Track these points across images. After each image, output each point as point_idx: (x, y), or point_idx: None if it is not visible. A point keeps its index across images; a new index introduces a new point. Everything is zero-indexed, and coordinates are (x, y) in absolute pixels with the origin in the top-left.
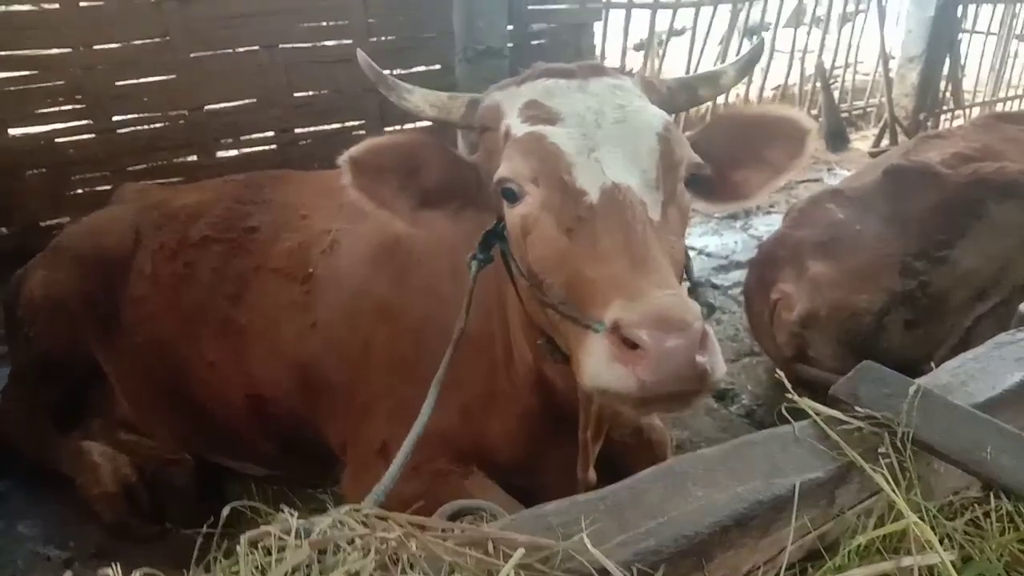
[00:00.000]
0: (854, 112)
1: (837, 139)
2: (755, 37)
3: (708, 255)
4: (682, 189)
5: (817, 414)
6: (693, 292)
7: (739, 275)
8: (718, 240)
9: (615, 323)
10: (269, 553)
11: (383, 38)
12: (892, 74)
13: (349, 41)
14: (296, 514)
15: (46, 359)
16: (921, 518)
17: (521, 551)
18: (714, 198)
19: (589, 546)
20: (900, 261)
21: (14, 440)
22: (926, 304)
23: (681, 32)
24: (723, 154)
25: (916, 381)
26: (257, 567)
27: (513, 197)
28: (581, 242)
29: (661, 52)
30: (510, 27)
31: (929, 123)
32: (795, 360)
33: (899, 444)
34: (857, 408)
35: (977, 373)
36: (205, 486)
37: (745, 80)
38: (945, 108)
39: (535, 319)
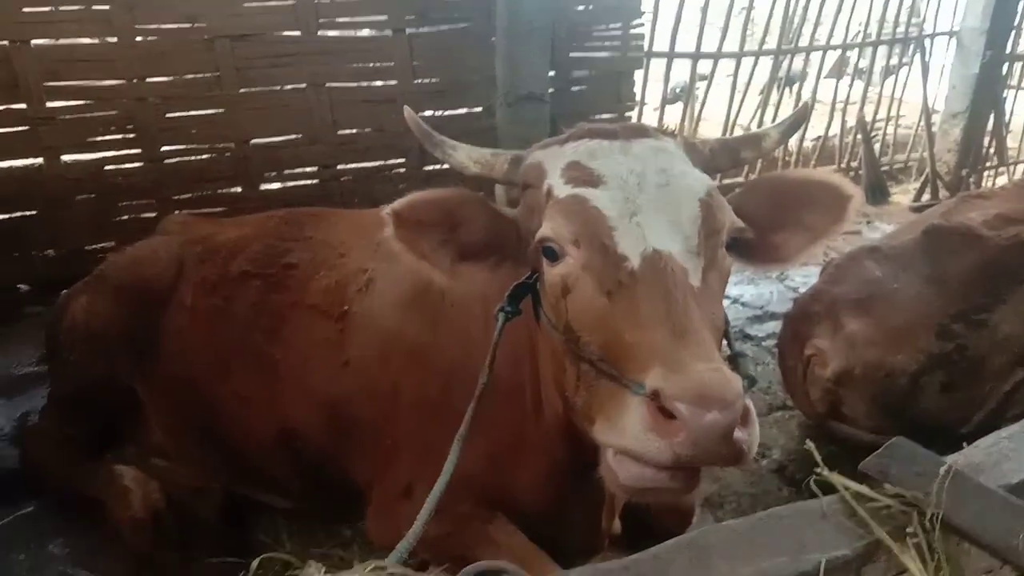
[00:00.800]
0: (895, 166)
1: (877, 192)
2: (795, 86)
3: (743, 304)
4: (723, 253)
5: (846, 488)
6: (733, 362)
7: (774, 326)
8: (753, 290)
9: (656, 391)
10: None
11: (427, 80)
12: (935, 129)
13: (394, 82)
14: (324, 568)
15: (84, 385)
16: None
17: None
18: (752, 259)
19: None
20: (938, 323)
21: (48, 462)
22: (964, 367)
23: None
24: (763, 216)
25: (947, 460)
26: None
27: (554, 256)
28: (621, 306)
29: (701, 101)
30: (551, 73)
31: (972, 179)
32: (828, 417)
33: (928, 524)
34: (887, 485)
35: (1011, 453)
36: (231, 516)
37: None
38: (989, 165)
39: (567, 367)
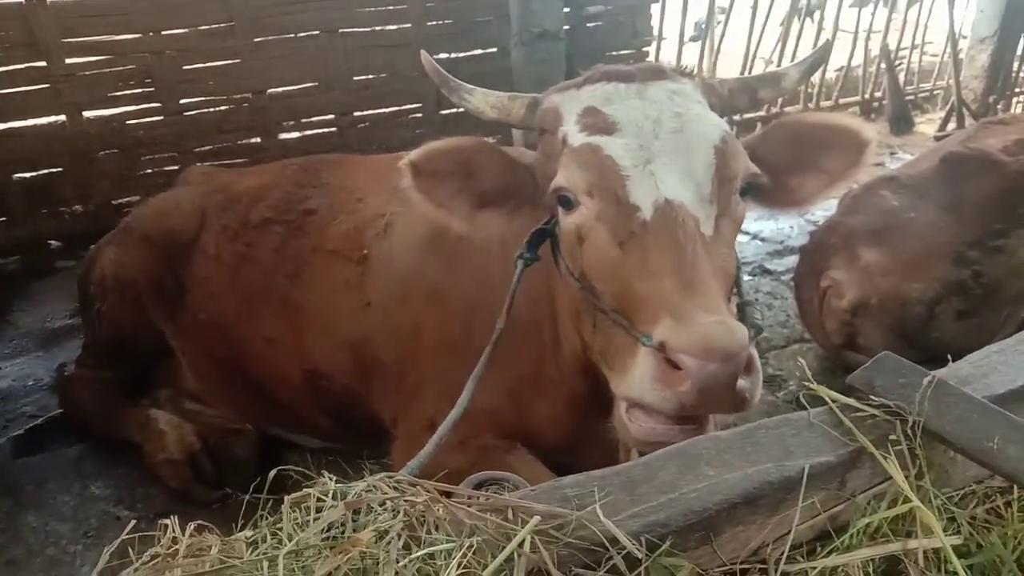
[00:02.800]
0: (920, 95)
1: (901, 122)
2: (816, 16)
3: (763, 240)
4: (737, 200)
5: (833, 401)
6: (741, 311)
7: (793, 260)
8: (773, 225)
9: (662, 343)
10: (309, 512)
11: (440, 22)
12: (961, 55)
13: (408, 25)
14: (335, 479)
15: (116, 334)
16: (928, 504)
17: (537, 518)
18: (768, 203)
19: (601, 516)
20: (954, 250)
21: (88, 409)
22: (980, 294)
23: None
24: (780, 160)
25: (932, 372)
26: (298, 524)
27: (568, 205)
28: (633, 256)
29: (720, 35)
30: (566, 9)
31: (1000, 106)
32: (844, 348)
33: (910, 432)
34: (872, 396)
35: (1000, 366)
36: (264, 456)
37: None
38: (1017, 91)
39: (584, 314)
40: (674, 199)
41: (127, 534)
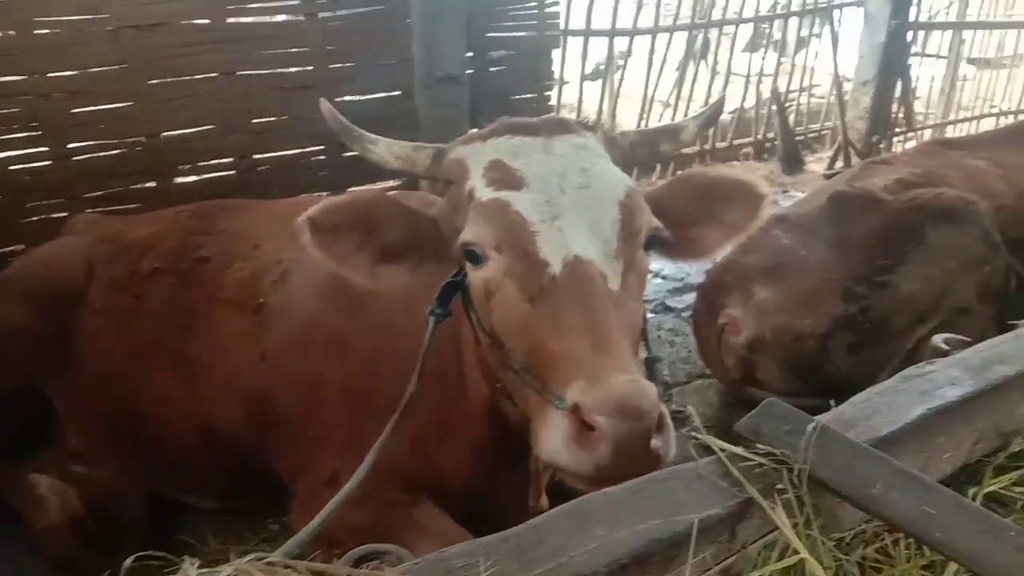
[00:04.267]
0: (809, 135)
1: (792, 162)
2: (710, 59)
3: (664, 278)
4: (641, 254)
5: (722, 451)
6: (649, 366)
7: (693, 297)
8: (673, 263)
9: (575, 405)
10: None
11: (343, 65)
12: (846, 97)
13: (309, 68)
14: (197, 563)
15: None
16: (817, 552)
17: None
18: (671, 254)
19: None
20: (842, 286)
21: None
22: (868, 328)
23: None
24: (681, 212)
25: (816, 419)
26: None
27: (477, 260)
28: (543, 313)
29: (620, 78)
30: (469, 54)
31: (882, 145)
32: (744, 383)
33: (796, 480)
34: (758, 445)
35: (882, 407)
36: (156, 519)
37: (701, 103)
38: (898, 131)
39: (495, 370)
40: (583, 255)
41: None
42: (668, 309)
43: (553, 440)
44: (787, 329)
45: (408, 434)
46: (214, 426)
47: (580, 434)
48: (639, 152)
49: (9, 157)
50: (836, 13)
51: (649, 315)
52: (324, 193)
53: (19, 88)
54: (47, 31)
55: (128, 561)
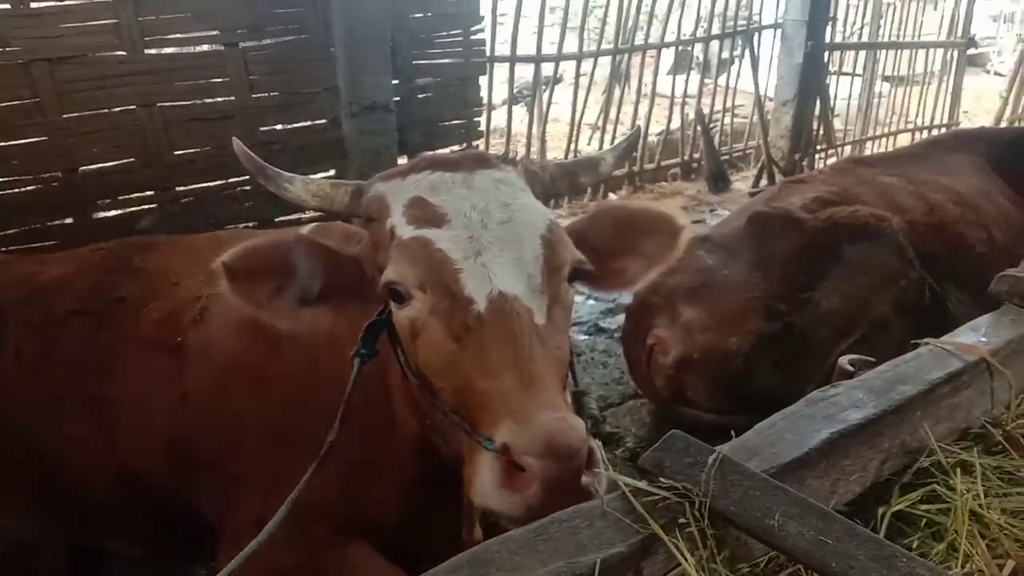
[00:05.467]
0: (734, 154)
1: (718, 181)
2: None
3: (595, 299)
4: (566, 287)
5: (626, 485)
6: (576, 400)
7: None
8: (595, 294)
9: (504, 446)
10: None
11: (266, 94)
12: (768, 117)
13: (231, 98)
14: None
15: None
16: None
17: None
18: (594, 285)
19: None
20: (765, 304)
21: None
22: (792, 344)
23: (559, 80)
24: (603, 244)
25: (717, 449)
26: None
27: (400, 299)
28: (470, 351)
29: (547, 103)
30: (395, 82)
31: (804, 162)
32: (674, 402)
33: (698, 513)
34: (661, 479)
35: (786, 432)
36: (77, 570)
37: (629, 126)
38: (819, 148)
39: (424, 409)
40: (507, 291)
41: None
42: (600, 330)
43: (484, 484)
44: (713, 348)
45: (337, 474)
46: (135, 472)
47: (510, 476)
48: (559, 185)
49: None
50: (755, 36)
51: (581, 336)
52: (249, 224)
53: None
54: None
55: None
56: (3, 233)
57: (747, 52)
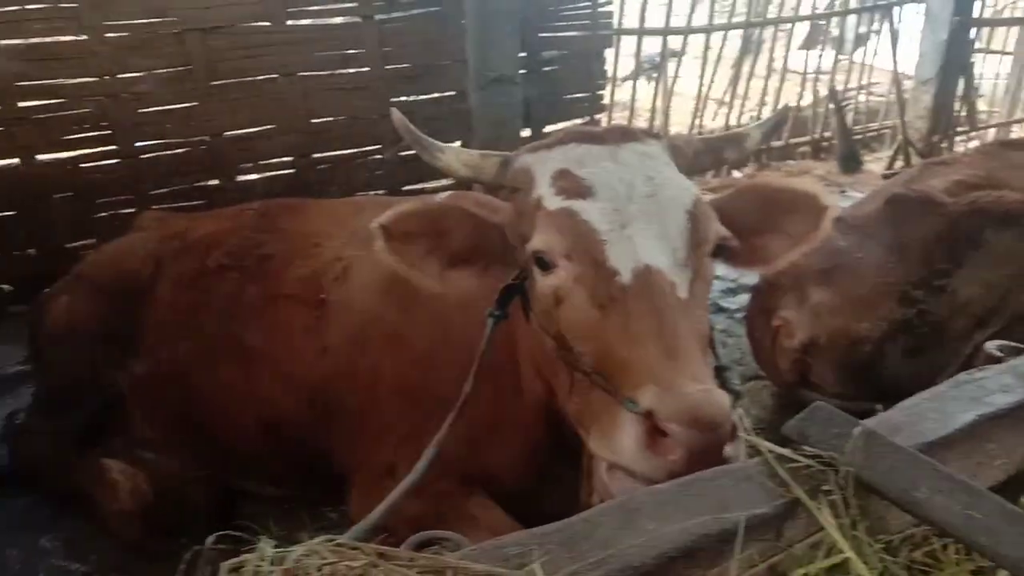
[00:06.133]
0: (867, 134)
1: (849, 161)
2: (766, 57)
3: (717, 277)
4: (709, 262)
5: (769, 452)
6: (719, 375)
7: (746, 298)
8: (735, 270)
9: (649, 411)
10: None
11: (398, 66)
12: (906, 96)
13: (366, 69)
14: (274, 543)
15: (68, 383)
16: (862, 553)
17: None
18: (735, 262)
19: (540, 575)
20: (900, 290)
21: (37, 459)
22: (926, 332)
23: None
24: (746, 221)
25: (862, 422)
26: None
27: (545, 266)
28: (613, 320)
29: (673, 77)
30: (523, 55)
31: (944, 145)
32: (798, 385)
33: (842, 482)
34: (805, 447)
35: (930, 412)
36: (219, 505)
37: (757, 102)
38: (960, 130)
39: (553, 371)
40: (652, 264)
41: None
42: (721, 310)
43: (625, 443)
44: (843, 332)
45: (463, 430)
46: (275, 417)
47: (653, 440)
48: (703, 160)
49: (81, 156)
50: (896, 9)
51: None
52: (379, 192)
53: (91, 89)
54: (117, 35)
55: (210, 539)
56: (155, 192)
57: (885, 27)
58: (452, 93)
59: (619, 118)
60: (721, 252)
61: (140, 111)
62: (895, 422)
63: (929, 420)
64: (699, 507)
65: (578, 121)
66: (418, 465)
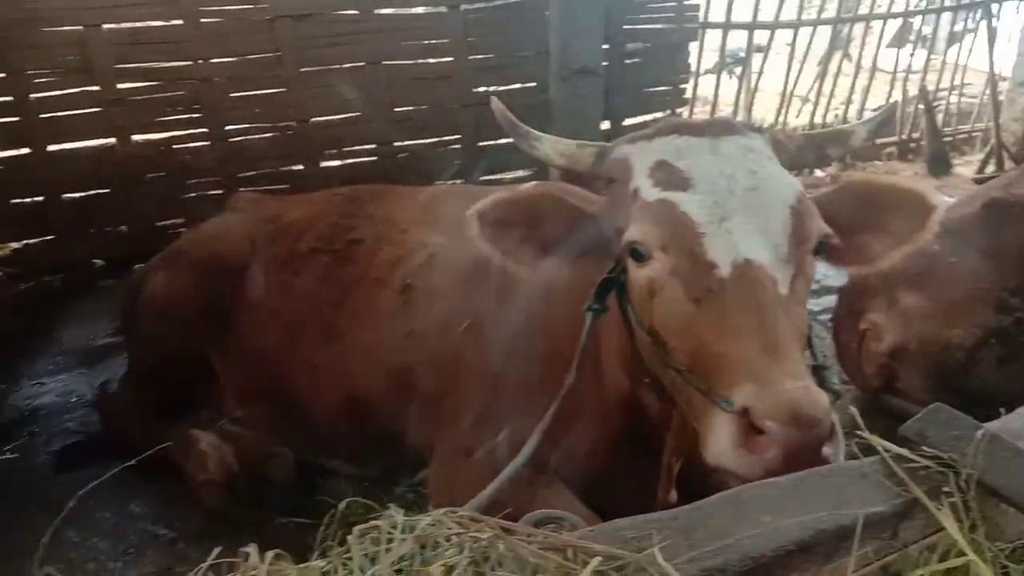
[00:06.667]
0: (958, 136)
1: (939, 164)
2: (855, 56)
3: None
4: (810, 260)
5: (886, 451)
6: (817, 373)
7: (830, 300)
8: (835, 269)
9: (746, 409)
10: (377, 544)
11: (481, 56)
12: (1001, 98)
13: (449, 59)
14: (403, 511)
15: (162, 354)
16: (982, 557)
17: (598, 559)
18: (835, 260)
19: (660, 560)
20: (996, 296)
21: (129, 427)
22: (1022, 341)
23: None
24: (847, 219)
25: (984, 426)
26: (367, 555)
27: (640, 258)
28: (709, 314)
29: (758, 73)
30: (605, 46)
31: None
32: (883, 391)
33: (963, 484)
34: (924, 448)
35: None
36: (301, 480)
37: (843, 100)
38: None
39: (650, 366)
40: (753, 259)
41: (214, 559)
42: None
43: (721, 443)
44: (934, 339)
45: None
46: (359, 397)
47: (749, 438)
48: (806, 155)
49: (173, 137)
50: (994, 7)
51: None
52: (458, 181)
53: (185, 73)
54: (211, 20)
55: (343, 504)
56: (243, 175)
57: (982, 25)
58: (532, 84)
59: (701, 113)
60: (822, 250)
61: (230, 95)
62: (1015, 428)
63: None
64: (815, 502)
65: (660, 115)
66: (524, 449)
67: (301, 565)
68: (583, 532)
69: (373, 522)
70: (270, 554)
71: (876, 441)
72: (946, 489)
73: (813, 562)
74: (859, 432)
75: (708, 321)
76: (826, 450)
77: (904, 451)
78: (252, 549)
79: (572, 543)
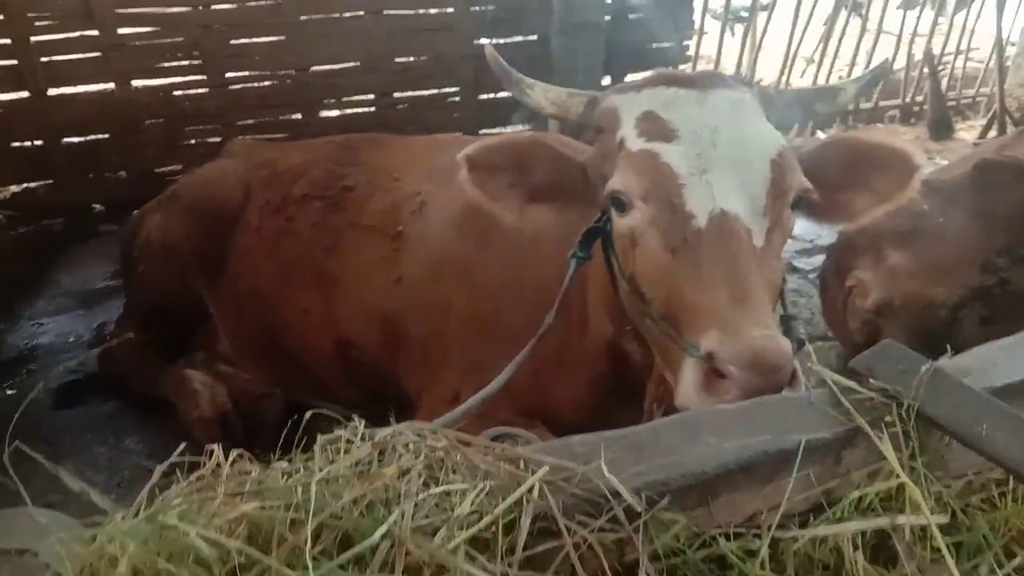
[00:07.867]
0: (962, 101)
1: (941, 128)
2: (863, 15)
3: (793, 237)
4: (788, 213)
5: (834, 383)
6: (785, 324)
7: (821, 259)
8: (803, 223)
9: (709, 353)
10: (339, 451)
11: (483, 8)
12: (1008, 63)
13: (450, 10)
14: (364, 422)
15: (157, 297)
16: (919, 483)
17: (546, 468)
18: (816, 215)
19: (606, 471)
20: (982, 256)
21: (125, 367)
22: (1005, 301)
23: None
24: (832, 176)
25: (931, 361)
26: (329, 459)
27: (622, 208)
28: (684, 264)
29: (762, 31)
30: (608, 1)
31: None
32: (865, 347)
33: (905, 415)
34: (871, 380)
35: (1002, 360)
36: (292, 421)
37: (848, 62)
38: None
39: (631, 316)
40: (729, 210)
41: (176, 457)
42: (795, 270)
43: (685, 385)
44: (918, 296)
45: (527, 363)
46: (349, 341)
47: (711, 381)
48: (794, 112)
49: (172, 83)
50: None
51: None
52: (457, 133)
53: (184, 19)
54: None
55: (308, 414)
56: (242, 123)
57: None
58: (534, 37)
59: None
60: (801, 205)
61: (231, 42)
62: (965, 366)
63: (999, 367)
64: (760, 427)
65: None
66: (500, 377)
67: (264, 464)
68: (535, 446)
69: (337, 432)
70: (233, 453)
71: (824, 371)
72: (888, 419)
73: (755, 482)
74: (811, 365)
75: (682, 270)
76: (786, 393)
77: (851, 383)
78: (216, 447)
79: (524, 455)
